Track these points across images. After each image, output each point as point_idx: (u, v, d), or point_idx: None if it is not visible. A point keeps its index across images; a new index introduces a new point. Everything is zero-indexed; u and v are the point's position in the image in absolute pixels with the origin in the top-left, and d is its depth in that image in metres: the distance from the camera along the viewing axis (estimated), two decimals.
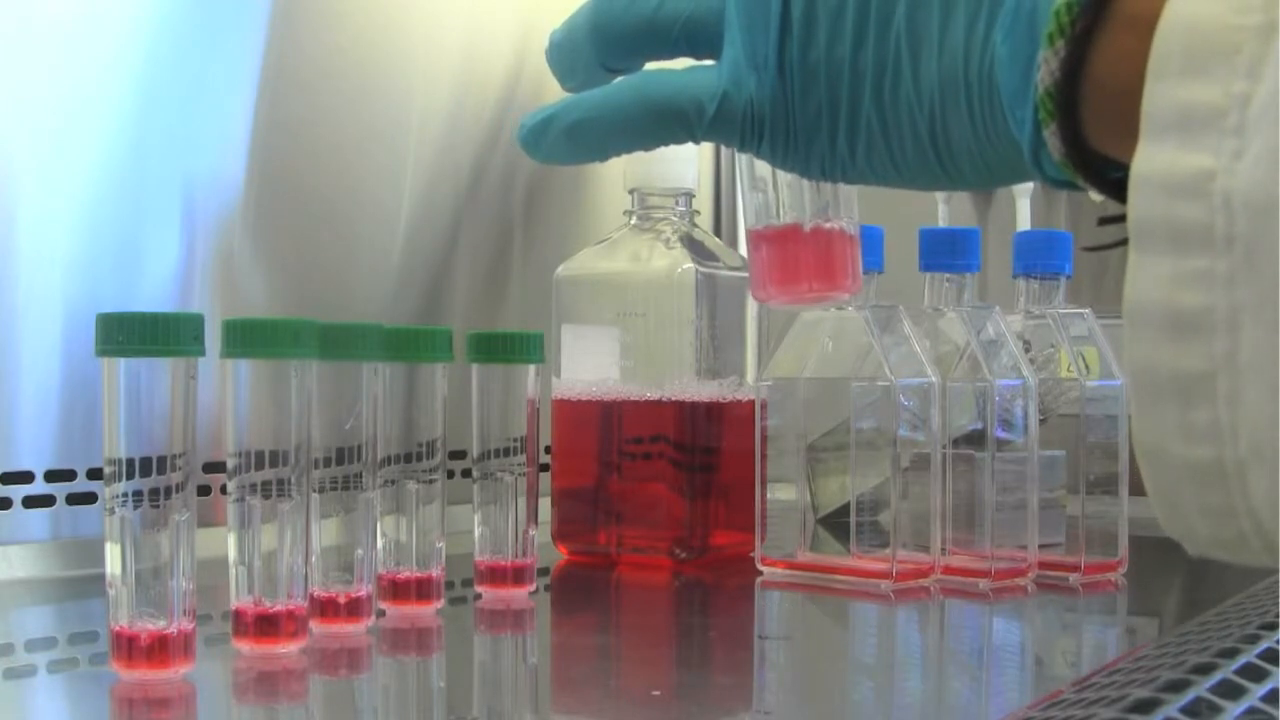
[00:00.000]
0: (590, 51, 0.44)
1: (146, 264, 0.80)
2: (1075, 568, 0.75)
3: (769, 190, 0.46)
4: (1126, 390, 0.33)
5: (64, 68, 0.76)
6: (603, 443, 0.85)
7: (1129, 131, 0.32)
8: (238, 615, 0.54)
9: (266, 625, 0.53)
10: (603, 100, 0.42)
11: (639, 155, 0.86)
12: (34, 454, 0.75)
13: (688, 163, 0.86)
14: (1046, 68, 0.34)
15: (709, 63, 0.42)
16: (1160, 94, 0.31)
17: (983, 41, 0.36)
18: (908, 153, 0.39)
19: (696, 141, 0.43)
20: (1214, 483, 0.31)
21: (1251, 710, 0.44)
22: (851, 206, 0.46)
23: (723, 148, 1.21)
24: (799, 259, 0.46)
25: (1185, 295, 0.30)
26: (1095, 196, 0.37)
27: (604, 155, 0.44)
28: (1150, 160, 0.31)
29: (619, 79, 0.43)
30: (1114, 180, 0.36)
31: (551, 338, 0.85)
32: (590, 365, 0.85)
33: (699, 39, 0.42)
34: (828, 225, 0.46)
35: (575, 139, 0.43)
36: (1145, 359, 0.31)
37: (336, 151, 0.90)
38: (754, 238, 0.48)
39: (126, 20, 0.79)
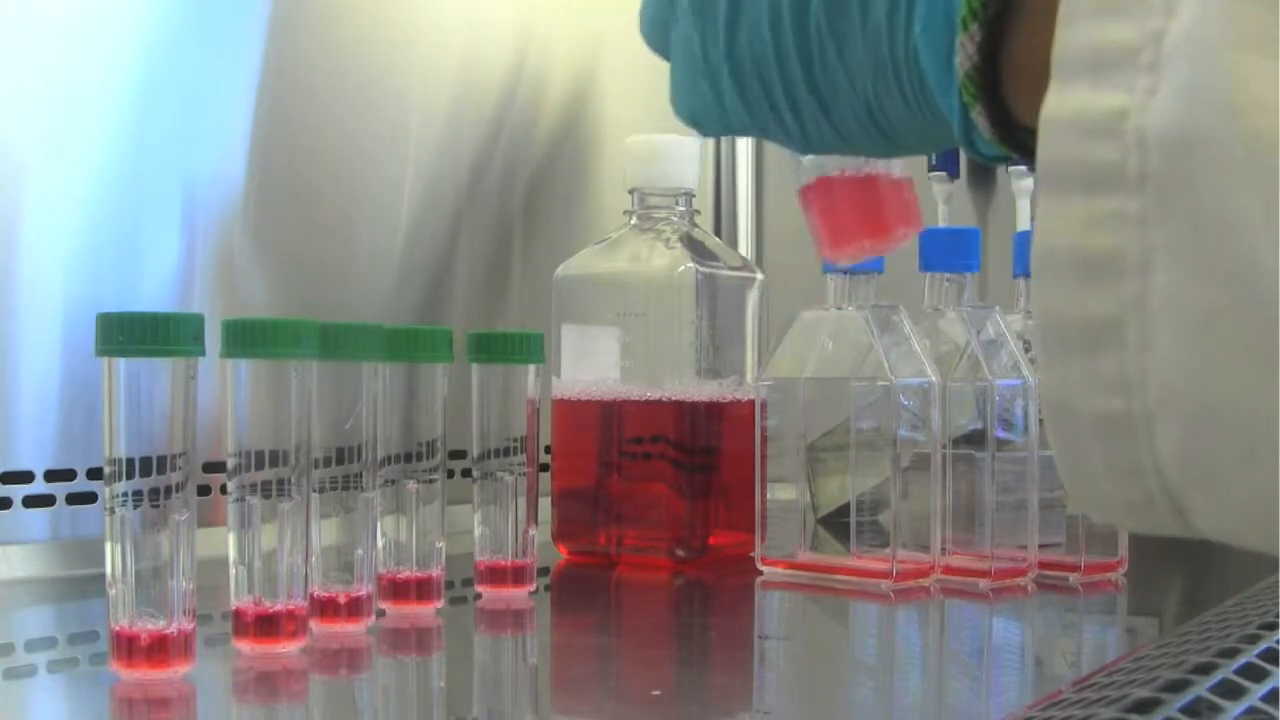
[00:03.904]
0: None
1: (146, 264, 0.80)
2: (1075, 568, 0.75)
3: None
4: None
5: (64, 68, 0.76)
6: (603, 443, 0.85)
7: None
8: (238, 615, 0.54)
9: (266, 625, 0.53)
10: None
11: (639, 155, 0.86)
12: (34, 454, 0.75)
13: (688, 163, 0.86)
14: (964, 53, 0.34)
15: None
16: (1072, 37, 0.30)
17: (905, 28, 0.36)
18: (852, 129, 0.40)
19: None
20: (1121, 437, 0.29)
21: (1251, 710, 0.44)
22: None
23: (724, 148, 1.21)
24: (851, 211, 0.46)
25: (1096, 237, 0.29)
26: None
27: None
28: (1061, 102, 0.30)
29: None
30: None
31: (551, 338, 0.85)
32: (590, 365, 0.85)
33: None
34: (866, 173, 0.45)
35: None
36: (1053, 306, 0.30)
37: (336, 151, 0.90)
38: (804, 196, 0.47)
39: (126, 20, 0.79)
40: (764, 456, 0.77)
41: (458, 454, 0.76)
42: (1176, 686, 0.45)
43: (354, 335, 0.58)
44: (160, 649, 0.49)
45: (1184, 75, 0.28)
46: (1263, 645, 0.51)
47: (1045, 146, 0.30)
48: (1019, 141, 0.35)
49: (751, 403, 0.79)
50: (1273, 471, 0.27)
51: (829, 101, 0.39)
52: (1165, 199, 0.28)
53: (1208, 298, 0.27)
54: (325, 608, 0.58)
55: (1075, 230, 0.29)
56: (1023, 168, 1.14)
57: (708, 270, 0.84)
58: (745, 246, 1.21)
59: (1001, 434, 0.74)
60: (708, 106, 0.42)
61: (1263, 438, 0.27)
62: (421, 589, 0.63)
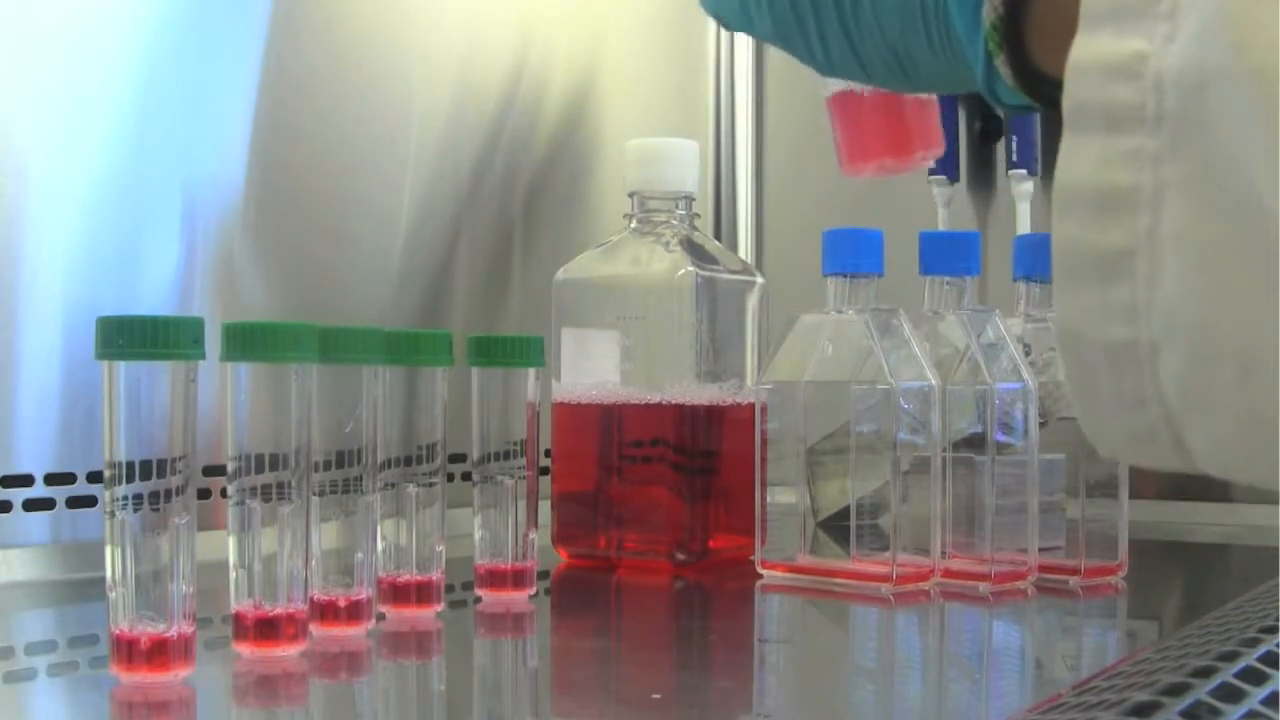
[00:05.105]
0: None
1: (147, 267, 0.80)
2: (1075, 571, 0.75)
3: None
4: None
5: (64, 68, 0.76)
6: (603, 446, 0.85)
7: None
8: (238, 618, 0.54)
9: (266, 629, 0.53)
10: None
11: (639, 158, 0.86)
12: (34, 457, 0.74)
13: (688, 166, 0.86)
14: (990, 4, 0.36)
15: None
16: None
17: None
18: (876, 66, 0.42)
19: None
20: (1128, 365, 0.31)
21: (1251, 714, 0.44)
22: None
23: (723, 152, 1.21)
24: (874, 128, 0.47)
25: (1114, 174, 0.31)
26: None
27: None
28: (1086, 48, 0.31)
29: None
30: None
31: (551, 341, 0.85)
32: (590, 369, 0.85)
33: None
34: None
35: None
36: (1071, 238, 0.32)
37: (336, 154, 0.90)
38: (830, 106, 0.48)
39: (126, 20, 0.79)
40: (764, 460, 0.77)
41: (458, 457, 0.76)
42: (1176, 690, 0.45)
43: (354, 338, 0.58)
44: (160, 652, 0.49)
45: (1198, 21, 0.29)
46: (1263, 649, 0.51)
47: (1071, 89, 0.32)
48: (1039, 91, 0.37)
49: (751, 406, 0.79)
50: (1267, 394, 0.29)
51: (856, 40, 0.41)
52: (1179, 138, 0.30)
53: (1213, 231, 0.29)
54: (325, 611, 0.58)
55: (1095, 166, 0.31)
56: (1022, 171, 1.14)
57: (708, 274, 0.84)
58: (745, 250, 1.21)
59: (1001, 437, 0.74)
60: (734, 14, 0.44)
61: (1259, 363, 0.29)
62: (421, 592, 0.63)
